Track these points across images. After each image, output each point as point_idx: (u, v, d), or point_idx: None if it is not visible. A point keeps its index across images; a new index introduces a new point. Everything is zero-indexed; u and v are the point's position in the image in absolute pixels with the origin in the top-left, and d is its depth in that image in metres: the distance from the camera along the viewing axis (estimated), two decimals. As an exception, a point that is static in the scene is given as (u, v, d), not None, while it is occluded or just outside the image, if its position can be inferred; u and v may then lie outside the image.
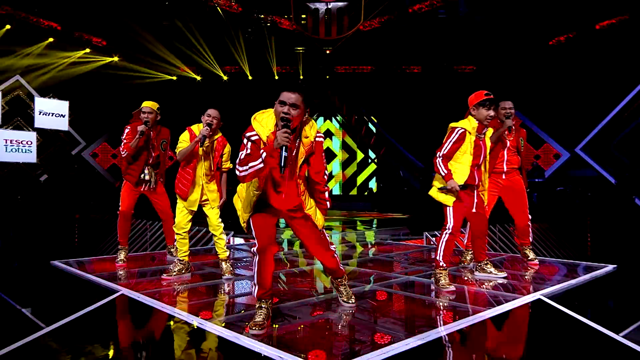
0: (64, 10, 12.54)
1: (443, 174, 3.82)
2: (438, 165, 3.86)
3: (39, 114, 10.37)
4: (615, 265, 4.73)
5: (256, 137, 2.63)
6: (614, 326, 2.87)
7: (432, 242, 6.58)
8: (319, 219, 2.94)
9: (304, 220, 2.93)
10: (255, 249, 2.84)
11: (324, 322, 3.00)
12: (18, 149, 10.10)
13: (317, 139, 2.80)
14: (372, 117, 17.71)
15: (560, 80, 14.03)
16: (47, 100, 10.53)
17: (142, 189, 4.96)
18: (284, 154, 2.48)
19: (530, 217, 4.77)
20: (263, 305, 2.89)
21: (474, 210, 4.04)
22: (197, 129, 4.25)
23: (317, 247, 3.04)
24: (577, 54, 13.57)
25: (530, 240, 4.85)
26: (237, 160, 2.63)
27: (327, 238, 3.08)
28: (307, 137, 2.75)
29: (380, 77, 16.79)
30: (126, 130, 4.78)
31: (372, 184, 18.51)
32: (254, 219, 2.85)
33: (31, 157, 10.35)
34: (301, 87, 2.66)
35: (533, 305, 3.40)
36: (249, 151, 2.61)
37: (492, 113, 3.82)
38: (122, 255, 4.95)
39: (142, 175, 4.91)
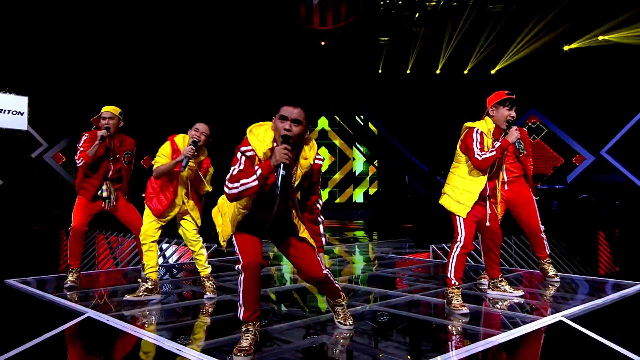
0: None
1: (495, 152, 3.77)
2: (485, 159, 3.77)
3: (-6, 112, 10.30)
4: (645, 283, 4.75)
5: (251, 153, 2.63)
6: (645, 351, 2.87)
7: (440, 256, 6.59)
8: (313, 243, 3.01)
9: (297, 240, 2.95)
10: (239, 266, 2.79)
11: (318, 346, 2.99)
12: (-31, 151, 10.02)
13: (316, 161, 2.82)
14: (373, 119, 17.78)
15: (584, 77, 14.14)
16: (3, 95, 10.46)
17: (100, 206, 4.75)
18: (281, 172, 2.48)
19: (543, 227, 4.76)
20: (250, 329, 2.83)
21: (487, 223, 4.06)
22: (182, 141, 4.19)
23: (311, 268, 2.96)
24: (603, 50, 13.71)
25: (548, 252, 4.85)
26: (228, 176, 2.61)
27: (321, 260, 3.02)
28: (306, 159, 2.76)
29: (384, 78, 16.88)
30: (83, 138, 4.65)
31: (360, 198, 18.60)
32: (238, 235, 2.85)
33: (-16, 161, 10.27)
34: (303, 101, 2.66)
35: (553, 328, 3.40)
36: (242, 167, 2.61)
37: (513, 114, 3.87)
38: (71, 277, 4.64)
39: (100, 192, 4.71)
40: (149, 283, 4.18)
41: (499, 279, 4.34)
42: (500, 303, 4.08)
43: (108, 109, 4.68)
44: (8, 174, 11.06)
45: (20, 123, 10.76)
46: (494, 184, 4.06)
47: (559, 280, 4.76)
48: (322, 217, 3.08)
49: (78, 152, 4.64)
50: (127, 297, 4.11)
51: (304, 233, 2.95)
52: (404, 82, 16.72)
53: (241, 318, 2.84)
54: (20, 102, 10.66)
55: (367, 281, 5.16)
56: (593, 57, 13.90)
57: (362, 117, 18.19)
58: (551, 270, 4.82)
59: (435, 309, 3.96)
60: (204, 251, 4.39)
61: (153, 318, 3.63)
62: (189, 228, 4.34)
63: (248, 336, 2.79)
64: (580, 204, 11.64)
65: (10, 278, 4.91)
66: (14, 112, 10.62)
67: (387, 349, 2.95)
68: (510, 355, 2.94)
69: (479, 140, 3.83)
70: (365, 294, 4.48)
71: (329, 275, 3.03)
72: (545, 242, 4.83)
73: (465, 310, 3.73)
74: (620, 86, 13.12)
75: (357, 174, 18.98)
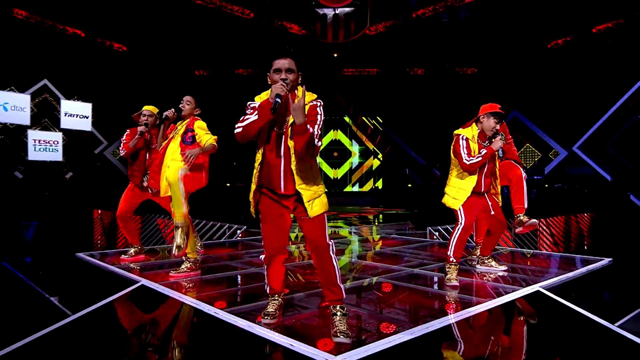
0: (87, 18, 12.67)
1: (480, 158, 3.74)
2: (472, 163, 3.75)
3: (65, 116, 10.48)
4: (610, 259, 4.68)
5: (254, 104, 2.50)
6: (610, 316, 2.84)
7: (435, 237, 6.54)
8: (313, 207, 2.55)
9: (307, 218, 2.58)
10: (262, 257, 2.80)
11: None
12: (45, 148, 10.21)
13: (313, 101, 2.55)
14: (378, 118, 17.65)
15: (558, 82, 13.90)
16: (72, 102, 10.63)
17: (146, 194, 4.69)
18: (277, 100, 2.36)
19: (525, 175, 4.41)
20: (276, 297, 2.87)
21: (492, 212, 3.98)
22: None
23: (314, 234, 2.58)
24: (575, 57, 13.45)
25: (525, 207, 4.32)
26: (237, 124, 2.49)
27: (328, 238, 2.62)
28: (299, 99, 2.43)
29: (386, 79, 16.75)
30: (126, 133, 4.71)
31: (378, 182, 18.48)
32: (262, 222, 2.70)
33: (57, 156, 10.46)
34: (290, 51, 2.53)
35: (532, 297, 3.37)
36: (248, 113, 2.49)
37: (498, 127, 3.81)
38: (131, 251, 4.78)
39: (143, 182, 4.67)
40: (190, 261, 4.08)
41: (487, 257, 4.30)
42: (487, 276, 4.05)
43: (148, 108, 4.72)
44: (76, 166, 11.25)
45: (86, 125, 10.93)
46: (489, 181, 3.98)
47: (535, 222, 4.19)
48: (314, 139, 2.44)
49: (121, 144, 4.72)
50: (172, 273, 3.99)
51: (310, 201, 2.54)
52: (402, 82, 16.59)
53: (268, 293, 2.87)
54: (86, 108, 10.82)
55: (373, 257, 5.16)
56: (568, 61, 13.62)
57: (368, 117, 18.07)
58: (525, 219, 4.26)
59: (432, 280, 3.95)
60: (179, 229, 3.87)
61: (194, 286, 3.67)
62: (175, 205, 3.88)
63: (274, 303, 2.84)
64: (555, 192, 11.48)
65: (80, 252, 5.00)
66: (81, 116, 10.79)
67: (390, 314, 2.95)
68: (495, 319, 2.92)
69: (465, 146, 3.82)
70: (372, 268, 4.48)
71: (332, 247, 2.61)
72: (525, 193, 4.35)
73: (455, 283, 3.72)
74: (590, 88, 12.85)
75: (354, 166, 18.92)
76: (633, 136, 10.46)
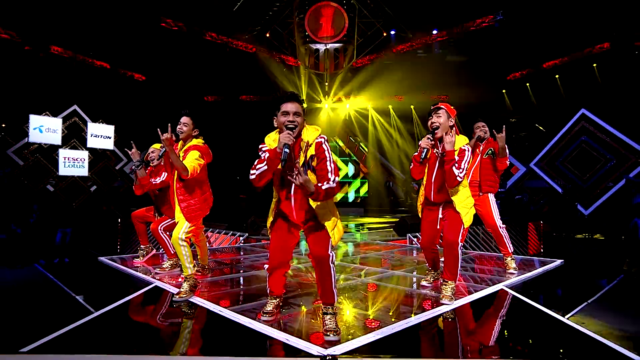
0: (112, 52, 12.76)
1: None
2: (411, 169, 3.26)
3: (91, 136, 10.46)
4: (562, 260, 4.71)
5: (266, 148, 2.44)
6: (562, 310, 2.85)
7: (414, 242, 6.54)
8: (335, 235, 2.49)
9: (315, 228, 2.50)
10: (266, 267, 2.72)
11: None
12: (74, 165, 10.15)
13: (317, 139, 2.43)
14: (362, 142, 17.76)
15: (518, 108, 14.16)
16: (98, 124, 10.62)
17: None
18: (285, 150, 2.24)
19: (500, 223, 4.23)
20: (274, 298, 2.79)
21: (437, 227, 3.31)
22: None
23: (317, 245, 2.47)
24: (531, 87, 13.76)
25: (511, 250, 4.24)
26: (251, 169, 2.41)
27: (330, 250, 2.48)
28: (307, 145, 2.43)
29: (372, 105, 16.91)
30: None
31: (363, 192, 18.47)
32: (273, 237, 2.63)
33: (84, 172, 10.41)
34: (297, 97, 2.45)
35: (497, 295, 3.37)
36: (261, 156, 2.41)
37: (432, 120, 3.18)
38: (141, 252, 4.64)
39: (155, 215, 4.38)
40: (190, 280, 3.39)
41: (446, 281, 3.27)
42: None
43: (154, 146, 4.34)
44: (100, 181, 11.21)
45: (109, 144, 10.91)
46: (439, 188, 3.20)
47: (515, 273, 4.06)
48: (328, 186, 2.33)
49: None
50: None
51: (328, 223, 2.49)
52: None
53: (268, 294, 2.80)
54: (109, 129, 10.81)
55: (359, 261, 5.14)
56: (524, 95, 13.90)
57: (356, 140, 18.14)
58: (512, 265, 4.18)
59: (411, 281, 3.94)
60: (182, 250, 3.38)
61: (202, 287, 3.63)
62: (175, 230, 3.44)
63: (272, 302, 2.77)
64: (515, 202, 11.57)
65: (102, 256, 4.93)
66: (105, 137, 10.77)
67: (375, 311, 2.93)
68: (466, 314, 2.92)
69: (418, 151, 3.18)
70: (358, 270, 4.46)
71: (332, 258, 2.49)
72: (506, 239, 4.19)
73: (424, 282, 3.61)
74: (545, 113, 13.14)
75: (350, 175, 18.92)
76: (579, 155, 10.79)
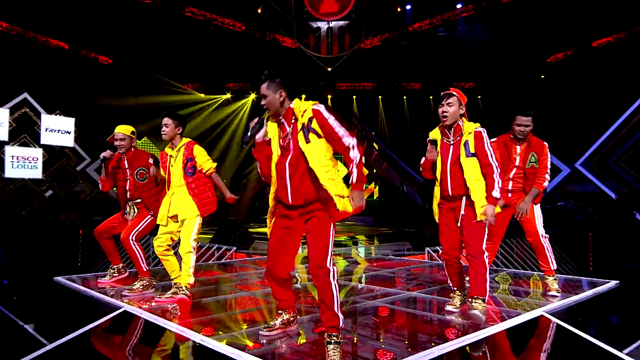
0: (71, 30, 12.78)
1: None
2: (421, 165, 3.64)
3: (45, 131, 10.45)
4: (617, 281, 4.68)
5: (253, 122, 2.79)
6: (618, 343, 2.83)
7: (434, 258, 6.53)
8: (346, 205, 2.56)
9: (314, 226, 2.64)
10: (264, 270, 2.89)
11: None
12: (24, 165, 10.15)
13: (314, 106, 2.62)
14: (372, 133, 17.76)
15: (559, 97, 14.10)
16: (54, 117, 10.61)
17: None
18: (246, 136, 2.67)
19: (543, 233, 4.25)
20: (281, 312, 2.98)
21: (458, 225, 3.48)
22: (167, 149, 4.04)
23: (315, 254, 2.58)
24: (576, 71, 13.68)
25: (553, 268, 4.24)
26: None
27: (330, 263, 2.58)
28: (298, 109, 2.64)
29: (382, 93, 16.94)
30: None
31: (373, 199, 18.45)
32: (271, 239, 2.82)
33: (36, 173, 10.39)
34: (265, 75, 2.67)
35: (535, 322, 3.35)
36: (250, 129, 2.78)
37: (441, 109, 3.45)
38: (136, 284, 4.27)
39: (125, 214, 4.49)
40: (177, 287, 3.90)
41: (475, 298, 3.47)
42: (489, 299, 4.02)
43: (119, 130, 4.37)
44: (57, 184, 11.19)
45: (68, 141, 10.91)
46: (458, 179, 3.39)
47: (559, 296, 4.07)
48: (355, 155, 2.52)
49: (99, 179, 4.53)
50: (157, 298, 3.94)
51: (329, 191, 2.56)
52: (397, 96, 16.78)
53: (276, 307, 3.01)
54: (68, 123, 10.81)
55: (369, 279, 5.13)
56: (568, 75, 13.85)
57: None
58: (554, 286, 4.17)
59: (431, 305, 3.92)
60: (189, 256, 3.82)
61: (181, 312, 3.62)
62: (183, 234, 3.86)
63: (279, 318, 2.96)
64: (557, 211, 11.55)
65: (59, 276, 4.92)
66: (63, 132, 10.77)
67: (387, 340, 2.92)
68: (497, 346, 2.90)
69: (427, 148, 3.58)
70: (368, 291, 4.44)
71: (332, 274, 2.56)
72: (548, 252, 4.21)
73: (450, 308, 3.58)
74: (592, 104, 13.06)
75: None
76: (637, 152, 10.60)
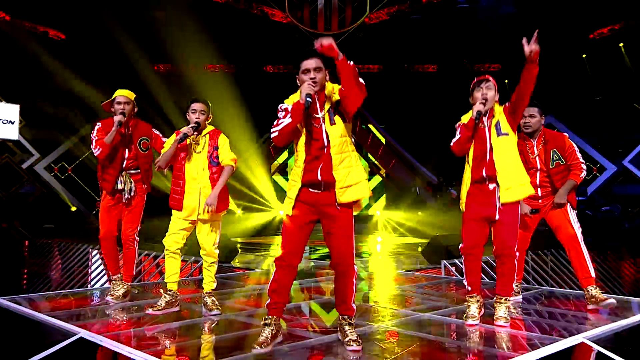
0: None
1: (458, 135, 3.93)
2: (454, 143, 3.93)
3: (-16, 121, 10.39)
4: (673, 302, 4.70)
5: (285, 106, 3.20)
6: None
7: (451, 272, 6.55)
8: (351, 194, 3.18)
9: (338, 214, 3.21)
10: (276, 258, 3.27)
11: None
12: (-41, 162, 10.09)
13: (340, 88, 3.19)
14: (379, 125, 17.78)
15: (604, 80, 14.10)
16: (-5, 104, 10.56)
17: (120, 201, 4.76)
18: (307, 99, 3.03)
19: (579, 235, 4.46)
20: (268, 323, 3.20)
21: (497, 218, 3.79)
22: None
23: (342, 246, 3.22)
24: (624, 49, 13.66)
25: (592, 275, 4.41)
26: (271, 128, 3.19)
27: (352, 248, 3.26)
28: (331, 91, 3.24)
29: (390, 77, 16.92)
30: (97, 126, 4.64)
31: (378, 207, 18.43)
32: (286, 223, 3.28)
33: (-26, 172, 10.34)
34: (316, 52, 3.12)
35: (575, 351, 3.36)
36: (280, 116, 3.18)
37: (482, 92, 3.80)
38: (117, 289, 4.70)
39: (116, 185, 4.70)
40: (168, 295, 4.20)
41: (502, 299, 3.91)
42: (518, 323, 4.04)
43: (122, 93, 4.65)
44: (-1, 185, 11.15)
45: (11, 132, 10.83)
46: (489, 162, 3.76)
47: (614, 302, 4.29)
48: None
49: (93, 141, 4.61)
50: (149, 310, 4.10)
51: (344, 188, 3.16)
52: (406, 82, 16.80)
53: (265, 306, 3.29)
54: (12, 111, 10.73)
55: (375, 298, 5.13)
56: (615, 55, 13.85)
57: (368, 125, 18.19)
58: (601, 296, 4.33)
59: (447, 328, 3.93)
60: (215, 265, 4.37)
61: (150, 337, 3.61)
62: (205, 239, 4.28)
63: (267, 330, 3.17)
64: (602, 217, 11.59)
65: (0, 296, 4.89)
66: (4, 121, 10.68)
67: (397, 372, 2.92)
68: (528, 379, 2.90)
69: (457, 131, 3.92)
70: (374, 311, 4.45)
71: (356, 274, 3.27)
72: (587, 257, 4.40)
73: (472, 322, 3.77)
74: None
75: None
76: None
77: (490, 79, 3.84)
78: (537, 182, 4.43)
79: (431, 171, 16.98)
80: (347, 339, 3.19)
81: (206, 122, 4.30)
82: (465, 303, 3.93)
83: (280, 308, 3.30)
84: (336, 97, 3.21)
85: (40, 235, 10.37)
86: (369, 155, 18.63)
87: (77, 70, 13.68)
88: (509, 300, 3.88)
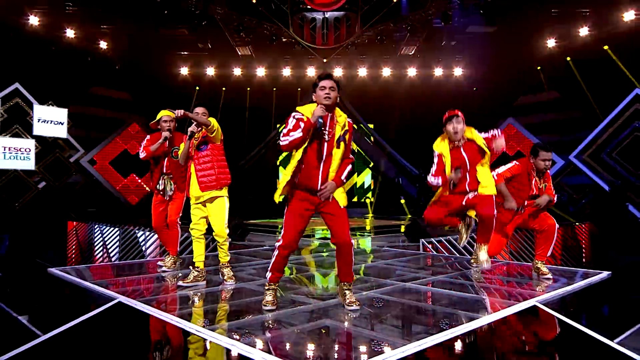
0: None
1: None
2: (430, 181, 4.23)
3: (38, 122, 10.37)
4: (609, 272, 4.73)
5: (300, 116, 3.18)
6: (610, 332, 2.86)
7: (428, 249, 6.57)
8: (341, 198, 3.35)
9: (336, 208, 3.32)
10: (278, 244, 3.32)
11: (320, 329, 2.99)
12: (16, 156, 10.08)
13: (348, 120, 3.35)
14: (368, 125, 17.70)
15: (553, 87, 14.11)
16: (46, 107, 10.53)
17: (165, 199, 4.99)
18: (320, 121, 3.13)
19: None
20: (272, 287, 3.40)
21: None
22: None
23: (341, 232, 3.30)
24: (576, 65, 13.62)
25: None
26: (281, 133, 3.21)
27: (349, 228, 3.37)
28: (340, 116, 3.30)
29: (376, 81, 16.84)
30: (146, 138, 4.91)
31: (367, 181, 18.39)
32: (288, 213, 3.32)
33: (29, 165, 10.33)
34: (332, 76, 3.31)
35: (528, 312, 3.39)
36: (293, 124, 3.17)
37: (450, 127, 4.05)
38: (167, 260, 4.99)
39: (158, 186, 4.94)
40: (196, 271, 4.26)
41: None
42: (481, 290, 4.06)
43: (166, 113, 4.81)
44: (50, 176, 11.13)
45: (61, 132, 10.82)
46: (466, 180, 4.11)
47: (551, 281, 4.40)
48: (350, 166, 3.37)
49: (142, 147, 4.88)
50: (180, 282, 4.21)
51: (340, 198, 3.33)
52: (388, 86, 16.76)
53: (267, 279, 3.41)
54: (61, 114, 10.72)
55: (364, 271, 5.15)
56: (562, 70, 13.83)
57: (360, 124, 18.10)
58: (545, 269, 4.53)
59: (425, 295, 3.95)
60: (227, 242, 4.39)
61: (175, 303, 3.63)
62: (217, 222, 4.29)
63: (271, 292, 3.39)
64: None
65: (53, 267, 4.91)
66: (56, 122, 10.68)
67: (382, 331, 2.94)
68: (490, 336, 2.93)
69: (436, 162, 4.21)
70: (363, 282, 4.47)
71: (353, 244, 3.36)
72: (552, 243, 4.53)
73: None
74: (587, 96, 13.08)
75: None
76: (631, 145, 10.68)
77: (459, 114, 4.06)
78: (525, 204, 4.48)
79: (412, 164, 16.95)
80: (347, 301, 3.35)
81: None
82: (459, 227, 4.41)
83: (279, 278, 3.46)
84: (345, 127, 3.30)
85: (86, 218, 10.38)
86: (361, 152, 18.56)
87: (116, 79, 13.58)
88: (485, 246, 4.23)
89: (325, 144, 3.23)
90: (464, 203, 4.13)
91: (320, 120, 3.13)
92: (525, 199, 4.47)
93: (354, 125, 3.44)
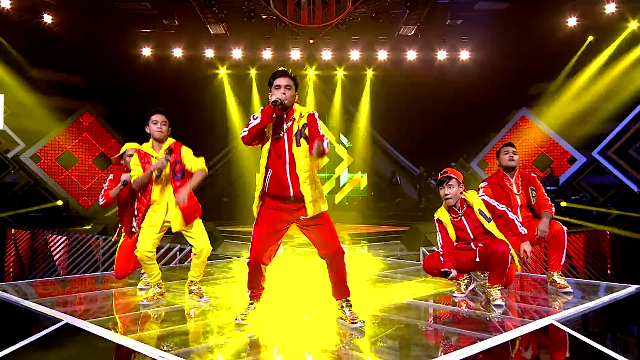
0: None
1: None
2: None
3: (-31, 111, 10.18)
4: (638, 286, 4.79)
5: (257, 115, 3.32)
6: (638, 356, 2.90)
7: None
8: (320, 206, 3.42)
9: (313, 220, 3.42)
10: (247, 261, 3.48)
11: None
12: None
13: (310, 112, 3.46)
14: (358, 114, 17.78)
15: (573, 73, 14.23)
16: (-21, 94, 10.34)
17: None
18: (276, 99, 3.25)
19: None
20: (252, 303, 3.59)
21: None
22: (147, 148, 4.22)
23: (329, 237, 3.42)
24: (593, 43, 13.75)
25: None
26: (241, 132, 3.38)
27: (337, 235, 3.48)
28: (300, 115, 3.41)
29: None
30: (108, 178, 4.82)
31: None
32: (257, 227, 3.45)
33: (-41, 162, 10.15)
34: (287, 72, 3.43)
35: (544, 332, 3.42)
36: (250, 120, 3.34)
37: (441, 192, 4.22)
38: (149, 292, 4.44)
39: (133, 228, 4.78)
40: (159, 287, 4.23)
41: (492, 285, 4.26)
42: (491, 307, 4.09)
43: (132, 146, 4.62)
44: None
45: (-4, 122, 10.62)
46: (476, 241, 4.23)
47: (572, 291, 4.49)
48: (326, 141, 3.27)
49: (102, 191, 4.76)
50: (144, 301, 4.12)
51: (311, 202, 3.34)
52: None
53: (249, 296, 3.60)
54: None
55: (357, 284, 5.15)
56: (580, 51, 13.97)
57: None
58: (562, 282, 4.57)
59: (426, 312, 3.96)
60: (204, 264, 4.34)
61: (135, 323, 3.59)
62: (202, 241, 4.25)
63: (250, 307, 3.57)
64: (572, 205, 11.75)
65: (-15, 283, 4.83)
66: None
67: (377, 353, 2.94)
68: (501, 359, 2.94)
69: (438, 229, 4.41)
70: (356, 297, 4.46)
71: (345, 251, 3.46)
72: (565, 250, 4.61)
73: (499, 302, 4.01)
74: (614, 84, 13.23)
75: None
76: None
77: (453, 176, 4.18)
78: (521, 219, 4.54)
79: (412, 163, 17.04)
80: (351, 318, 3.42)
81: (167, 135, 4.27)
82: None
83: (259, 295, 3.62)
84: (304, 121, 3.40)
85: (24, 224, 10.24)
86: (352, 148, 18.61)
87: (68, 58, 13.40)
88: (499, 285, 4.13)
89: (286, 144, 3.36)
90: (477, 260, 4.13)
91: (278, 99, 3.25)
92: (517, 214, 4.60)
93: (316, 116, 3.49)
